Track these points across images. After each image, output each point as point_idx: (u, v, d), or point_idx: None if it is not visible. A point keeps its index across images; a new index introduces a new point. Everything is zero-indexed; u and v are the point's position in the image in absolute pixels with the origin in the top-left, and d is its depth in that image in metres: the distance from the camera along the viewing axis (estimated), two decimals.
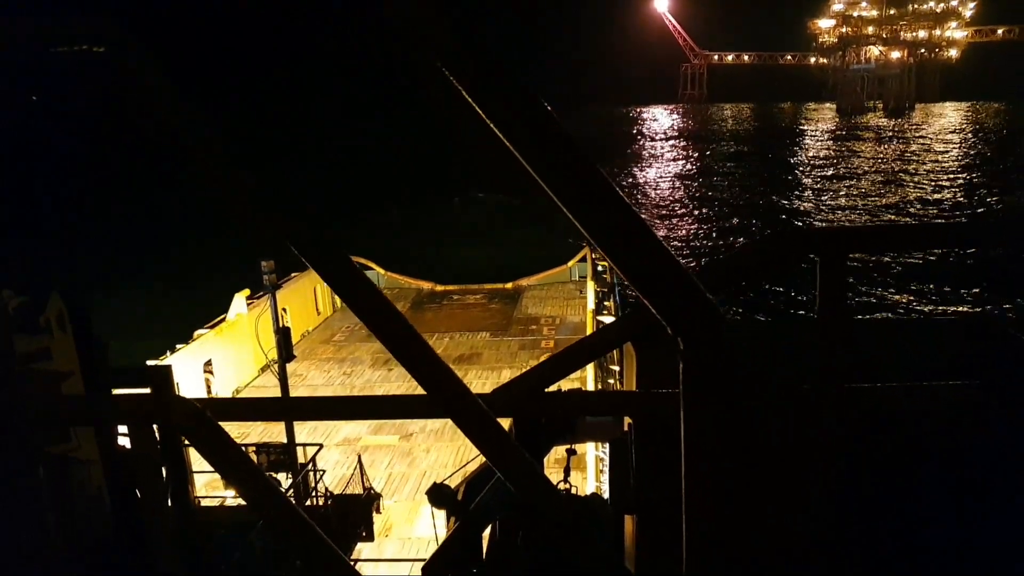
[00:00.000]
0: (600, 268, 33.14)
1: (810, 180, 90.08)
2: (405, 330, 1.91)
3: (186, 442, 3.25)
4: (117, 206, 71.85)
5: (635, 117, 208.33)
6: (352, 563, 12.41)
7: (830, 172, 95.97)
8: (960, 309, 38.56)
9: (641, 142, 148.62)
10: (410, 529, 15.44)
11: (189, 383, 21.16)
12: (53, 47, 2.03)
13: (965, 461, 2.58)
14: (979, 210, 68.97)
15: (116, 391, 4.34)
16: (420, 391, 2.28)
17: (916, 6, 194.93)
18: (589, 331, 25.20)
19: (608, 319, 26.66)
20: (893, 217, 67.70)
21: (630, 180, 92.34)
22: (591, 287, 29.47)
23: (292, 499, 13.45)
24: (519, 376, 2.62)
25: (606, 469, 16.34)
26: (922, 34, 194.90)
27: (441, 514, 5.24)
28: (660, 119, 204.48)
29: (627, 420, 3.04)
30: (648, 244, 1.40)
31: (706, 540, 1.65)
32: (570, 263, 35.14)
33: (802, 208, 73.18)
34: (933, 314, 37.88)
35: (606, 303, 29.08)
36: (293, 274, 28.83)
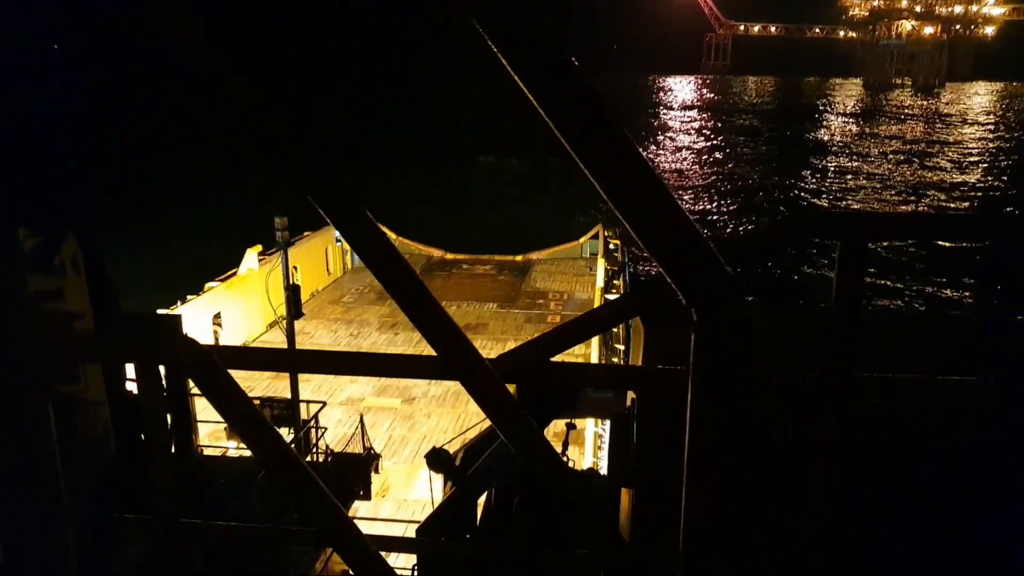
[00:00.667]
0: (612, 246, 33.02)
1: (831, 158, 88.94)
2: (419, 290, 1.91)
3: (192, 391, 3.27)
4: (138, 155, 71.99)
5: (657, 86, 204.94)
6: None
7: (852, 151, 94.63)
8: (976, 302, 38.17)
9: (661, 112, 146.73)
10: (407, 491, 15.62)
11: (198, 334, 21.26)
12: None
13: (972, 458, 2.56)
14: (1002, 197, 68.11)
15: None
16: (427, 355, 2.28)
17: None
18: None
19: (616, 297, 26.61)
20: (913, 200, 66.89)
21: (645, 153, 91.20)
22: (601, 264, 29.39)
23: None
24: (525, 343, 2.62)
25: (604, 445, 16.44)
26: (958, 9, 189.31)
27: (438, 478, 5.30)
28: (682, 89, 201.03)
29: (630, 396, 3.04)
30: (668, 210, 1.38)
31: (705, 517, 1.65)
32: (582, 239, 35.02)
33: (820, 187, 72.42)
34: (948, 308, 37.50)
35: (615, 282, 29.01)
36: (306, 233, 28.87)
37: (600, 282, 27.57)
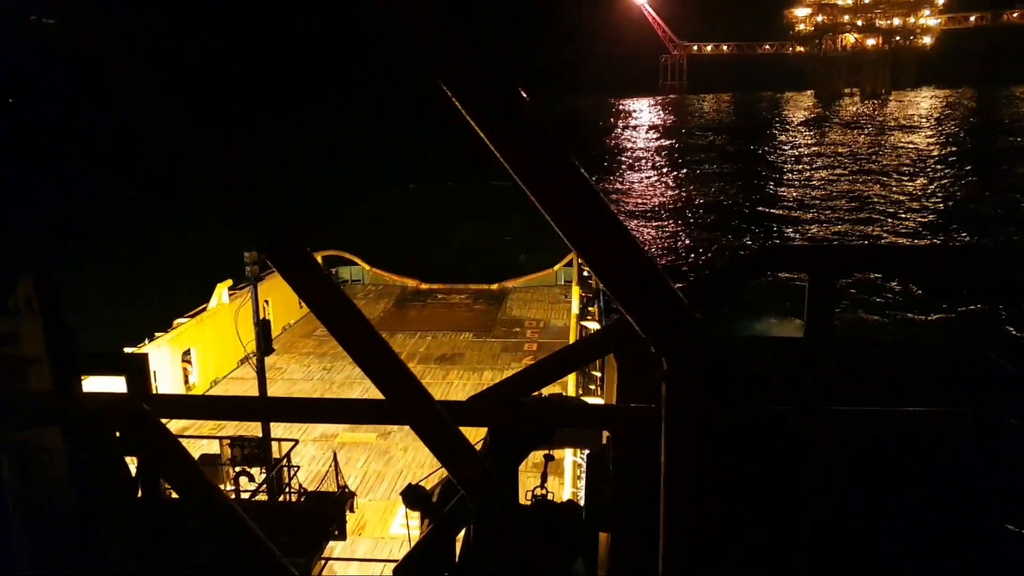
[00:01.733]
0: (586, 273, 33.15)
1: (788, 170, 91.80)
2: (366, 331, 1.84)
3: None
4: (98, 189, 71.05)
5: (617, 108, 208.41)
6: (323, 561, 12.23)
7: (807, 161, 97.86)
8: (946, 331, 38.78)
9: (623, 134, 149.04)
10: (384, 529, 15.32)
11: (166, 373, 20.91)
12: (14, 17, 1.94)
13: (948, 488, 2.55)
14: (951, 199, 70.16)
15: (90, 380, 4.24)
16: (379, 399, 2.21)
17: None
18: (573, 336, 25.15)
19: (592, 324, 26.65)
20: (866, 209, 68.51)
21: (607, 177, 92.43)
22: (576, 292, 29.46)
23: (264, 495, 13.27)
24: (497, 384, 2.56)
25: (583, 475, 16.31)
26: (896, 22, 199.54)
27: (416, 515, 5.17)
28: (642, 111, 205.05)
29: (606, 433, 2.99)
30: (634, 258, 1.35)
31: (682, 560, 1.60)
32: (556, 267, 35.15)
33: (780, 200, 74.13)
34: (919, 337, 38.04)
35: (590, 308, 29.07)
36: None
37: (575, 309, 27.61)
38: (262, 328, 14.02)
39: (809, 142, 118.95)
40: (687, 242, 59.11)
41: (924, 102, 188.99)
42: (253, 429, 16.19)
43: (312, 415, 3.02)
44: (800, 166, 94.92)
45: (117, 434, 2.96)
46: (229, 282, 25.00)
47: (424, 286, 34.79)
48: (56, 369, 3.83)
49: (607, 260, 1.32)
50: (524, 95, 1.39)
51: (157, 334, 21.83)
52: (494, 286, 34.37)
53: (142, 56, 1.84)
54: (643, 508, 2.07)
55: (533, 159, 1.38)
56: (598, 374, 22.67)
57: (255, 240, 1.84)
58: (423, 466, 17.51)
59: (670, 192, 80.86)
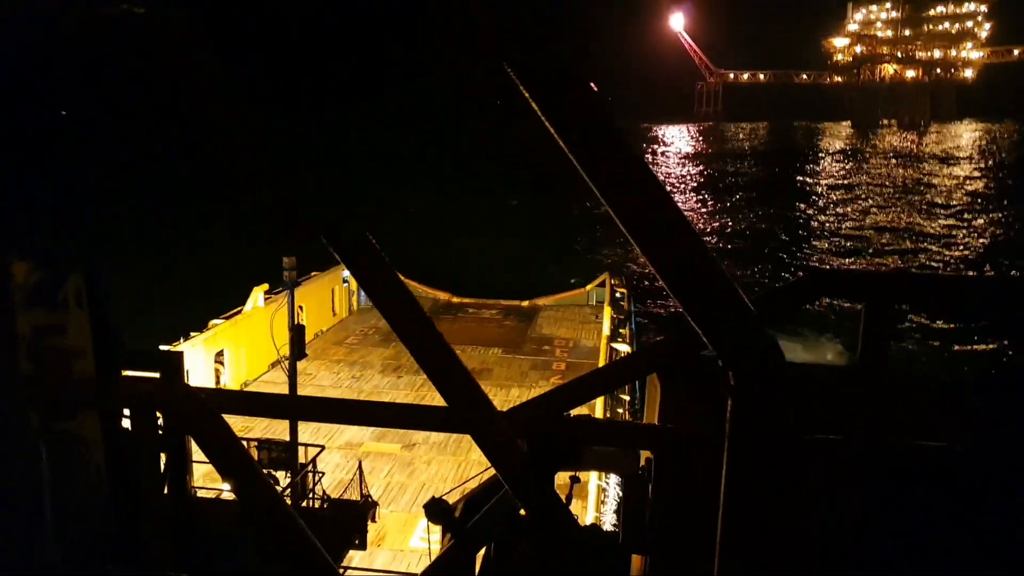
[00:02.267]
0: (618, 295, 32.97)
1: (827, 199, 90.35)
2: (434, 338, 1.82)
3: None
4: (148, 191, 72.81)
5: (651, 134, 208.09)
6: (343, 570, 12.23)
7: (845, 193, 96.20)
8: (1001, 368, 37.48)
9: (657, 159, 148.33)
10: (404, 541, 15.26)
11: (199, 372, 21.20)
12: (95, 7, 1.98)
13: (993, 525, 2.45)
14: (992, 233, 68.51)
15: (126, 373, 4.29)
16: (426, 400, 2.19)
17: (931, 27, 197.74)
18: (602, 357, 25.00)
19: (623, 347, 26.44)
20: (911, 239, 67.22)
21: None
22: (607, 313, 29.29)
23: (288, 499, 13.33)
24: (539, 396, 2.52)
25: (607, 500, 16.10)
26: (937, 54, 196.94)
27: (437, 529, 5.12)
28: (677, 136, 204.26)
29: (645, 455, 2.93)
30: (708, 270, 1.31)
31: None
32: (588, 287, 35.02)
33: (820, 230, 72.99)
34: (973, 372, 36.93)
35: (621, 331, 28.87)
36: (313, 273, 28.92)
37: (606, 330, 27.43)
38: (296, 333, 14.14)
39: (847, 172, 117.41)
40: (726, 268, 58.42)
41: (965, 134, 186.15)
42: (281, 433, 16.31)
43: (379, 418, 3.00)
44: (837, 196, 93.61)
45: (160, 420, 2.97)
46: (266, 286, 25.35)
47: (456, 300, 34.90)
48: (99, 362, 3.88)
49: (675, 264, 1.29)
50: (594, 88, 1.37)
51: (192, 334, 22.17)
52: (525, 303, 34.33)
53: (220, 50, 1.86)
54: (686, 530, 2.01)
55: (610, 161, 1.36)
56: (626, 397, 22.45)
57: (328, 236, 1.83)
58: (446, 480, 17.45)
59: (704, 219, 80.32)
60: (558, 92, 1.40)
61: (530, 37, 1.37)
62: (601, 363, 23.92)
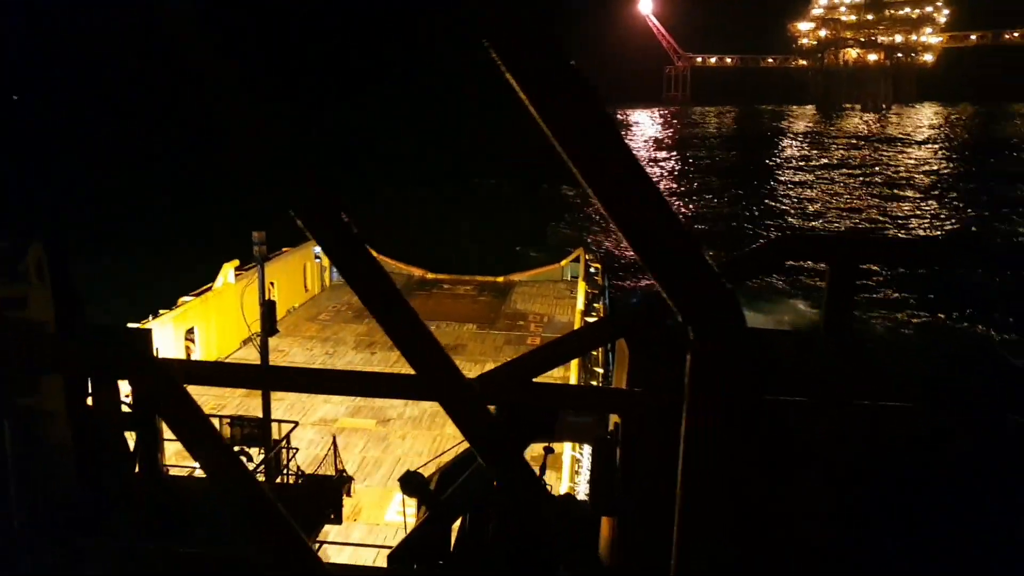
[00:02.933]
0: (592, 270, 33.10)
1: (792, 181, 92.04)
2: (400, 306, 1.81)
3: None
4: (113, 163, 71.25)
5: (621, 119, 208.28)
6: (318, 544, 12.25)
7: (809, 175, 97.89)
8: (965, 330, 38.31)
9: (628, 144, 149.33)
10: (380, 515, 15.32)
11: (169, 350, 20.93)
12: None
13: (956, 487, 2.52)
14: (949, 210, 70.44)
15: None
16: (404, 373, 2.18)
17: (893, 12, 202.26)
18: None
19: None
20: (876, 219, 68.86)
21: None
22: (582, 288, 29.41)
23: (262, 476, 13.29)
24: (506, 363, 2.52)
25: (581, 470, 16.28)
26: (898, 38, 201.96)
27: (412, 502, 5.14)
28: (646, 121, 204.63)
29: (613, 419, 2.95)
30: (669, 224, 1.31)
31: (700, 544, 1.56)
32: (563, 262, 35.10)
33: (784, 215, 74.39)
34: (938, 334, 37.69)
35: (596, 305, 29.02)
36: (284, 248, 28.60)
37: (580, 305, 27.56)
38: (267, 309, 14.01)
39: (810, 154, 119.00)
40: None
41: (924, 117, 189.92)
42: (253, 409, 16.20)
43: (350, 386, 2.99)
44: (801, 177, 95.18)
45: (126, 394, 2.93)
46: (236, 262, 25.02)
47: (430, 276, 34.79)
48: (61, 334, 3.80)
49: (640, 222, 1.29)
50: (573, 63, 1.36)
51: (161, 311, 21.86)
52: (500, 279, 34.34)
53: (227, 47, 1.84)
54: (653, 493, 2.03)
55: (579, 122, 1.35)
56: (600, 370, 22.64)
57: (293, 204, 1.81)
58: (421, 455, 17.51)
59: (672, 201, 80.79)
60: (531, 56, 1.39)
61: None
62: None
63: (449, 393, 1.95)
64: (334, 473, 14.25)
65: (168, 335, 20.95)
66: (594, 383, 21.13)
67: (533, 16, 1.41)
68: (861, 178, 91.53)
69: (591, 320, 26.08)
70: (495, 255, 42.37)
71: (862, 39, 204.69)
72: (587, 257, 33.96)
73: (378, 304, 1.91)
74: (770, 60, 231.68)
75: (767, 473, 2.27)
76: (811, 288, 42.40)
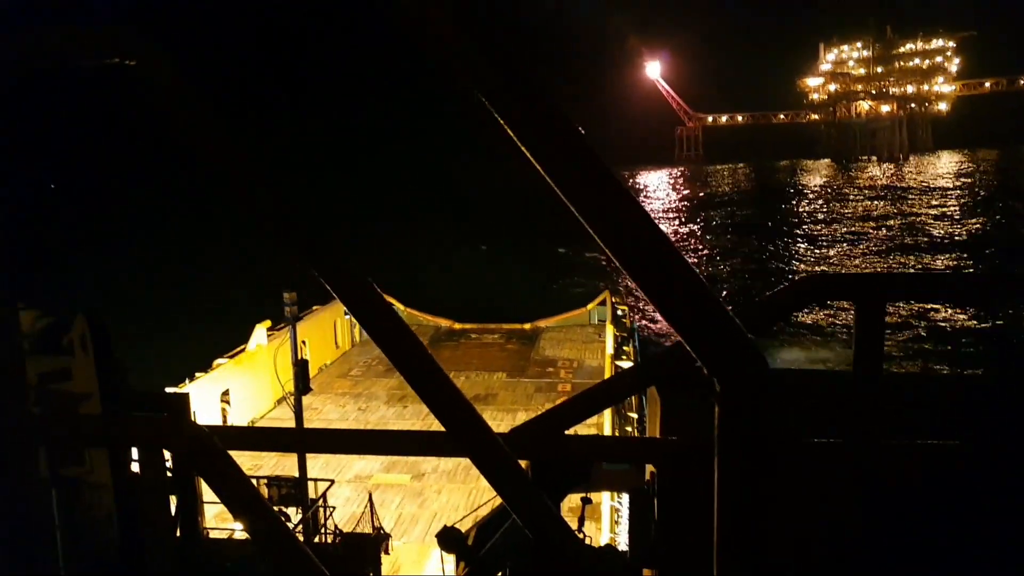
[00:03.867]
0: (620, 312, 32.98)
1: (810, 239, 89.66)
2: (426, 362, 1.86)
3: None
4: (145, 233, 73.21)
5: (634, 180, 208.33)
6: None
7: (828, 228, 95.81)
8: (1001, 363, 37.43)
9: (643, 204, 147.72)
10: (419, 572, 15.14)
11: (206, 412, 21.17)
12: (82, 59, 2.02)
13: (991, 525, 2.47)
14: (980, 256, 68.96)
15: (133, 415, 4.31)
16: (433, 428, 2.22)
17: (902, 63, 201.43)
18: (607, 376, 24.98)
19: (627, 364, 26.40)
20: (901, 265, 67.78)
21: None
22: (610, 331, 29.27)
23: (300, 535, 13.26)
24: (537, 417, 2.55)
25: (621, 520, 15.99)
26: (910, 89, 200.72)
27: (451, 558, 5.11)
28: (659, 182, 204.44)
29: (649, 469, 2.94)
30: (686, 278, 1.35)
31: None
32: (589, 306, 35.02)
33: (807, 263, 73.25)
34: (972, 368, 36.81)
35: (625, 348, 28.85)
36: (314, 307, 28.97)
37: (610, 349, 27.40)
38: (300, 368, 14.16)
39: (829, 206, 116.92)
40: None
41: (942, 165, 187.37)
42: (289, 468, 16.25)
43: (382, 446, 3.02)
44: (822, 231, 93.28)
45: (169, 462, 3.00)
46: (268, 323, 25.38)
47: (458, 326, 34.91)
48: (106, 405, 3.91)
49: (656, 277, 1.33)
50: (578, 128, 1.42)
51: (197, 374, 22.17)
52: (527, 326, 34.32)
53: (207, 95, 1.92)
54: (692, 543, 2.03)
55: (583, 179, 1.41)
56: (634, 415, 22.39)
57: (312, 262, 1.88)
58: (457, 508, 17.35)
59: (690, 259, 79.83)
60: (536, 123, 1.45)
61: (507, 68, 1.43)
62: None
63: (479, 450, 1.98)
64: (371, 531, 14.18)
65: (205, 397, 21.20)
66: (629, 428, 20.87)
67: (529, 73, 1.46)
68: (883, 229, 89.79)
69: (621, 364, 25.88)
70: (520, 302, 42.44)
71: (873, 91, 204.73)
72: (614, 300, 33.88)
73: (404, 362, 1.96)
74: (781, 116, 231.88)
75: (803, 518, 2.25)
76: (848, 325, 41.76)
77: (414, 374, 1.93)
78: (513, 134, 1.42)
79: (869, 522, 2.18)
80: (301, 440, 5.37)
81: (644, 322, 43.68)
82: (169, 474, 4.06)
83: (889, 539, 2.31)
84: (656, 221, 1.37)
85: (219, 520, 14.86)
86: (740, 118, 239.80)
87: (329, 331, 30.33)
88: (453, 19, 1.42)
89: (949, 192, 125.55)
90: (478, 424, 1.91)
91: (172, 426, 2.79)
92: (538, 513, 1.93)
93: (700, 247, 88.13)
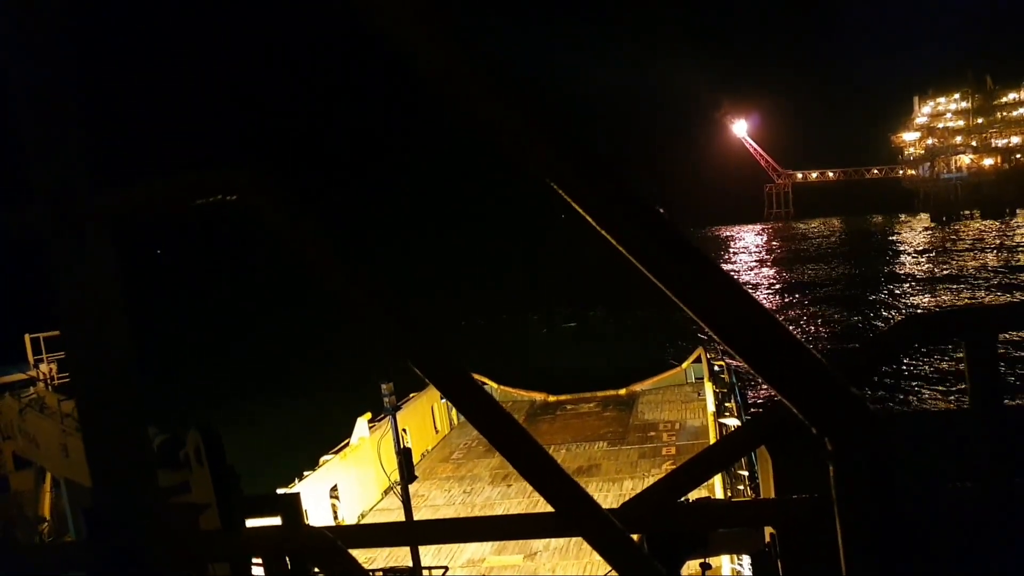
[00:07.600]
0: (717, 368, 32.01)
1: (910, 294, 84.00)
2: (527, 443, 1.87)
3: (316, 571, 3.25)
4: (240, 339, 76.92)
5: (724, 238, 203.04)
6: None
7: (932, 285, 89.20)
8: None
9: (731, 261, 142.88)
10: None
11: (317, 509, 21.55)
12: (193, 200, 2.25)
13: None
14: None
15: (249, 521, 4.46)
16: (539, 507, 2.21)
17: (1004, 114, 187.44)
18: (712, 434, 24.07)
19: (731, 420, 25.44)
20: None
21: None
22: (709, 388, 28.37)
23: None
24: (647, 488, 2.49)
25: None
26: (1015, 140, 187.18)
27: None
28: (749, 239, 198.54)
29: (768, 530, 2.81)
30: (784, 341, 1.33)
31: None
32: (684, 364, 34.15)
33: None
34: None
35: (727, 404, 27.84)
36: (411, 394, 29.43)
37: (711, 406, 26.49)
38: (404, 457, 14.31)
39: (933, 263, 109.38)
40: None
41: None
42: (403, 558, 16.23)
43: (491, 531, 3.01)
44: (924, 287, 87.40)
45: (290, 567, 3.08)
46: (368, 415, 25.90)
47: (552, 398, 34.63)
48: (223, 512, 4.07)
49: (749, 341, 1.31)
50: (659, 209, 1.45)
51: (306, 473, 22.70)
52: (622, 391, 33.70)
53: (312, 220, 2.09)
54: None
55: (663, 254, 1.42)
56: (744, 473, 21.40)
57: (411, 357, 1.95)
58: None
59: (784, 315, 76.18)
60: (610, 206, 1.48)
61: (582, 159, 1.48)
62: (711, 441, 23.00)
63: (589, 528, 1.95)
64: None
65: (315, 495, 21.63)
66: (740, 487, 19.94)
67: (604, 162, 1.50)
68: (994, 287, 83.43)
69: (725, 421, 24.94)
70: (613, 368, 41.81)
71: (974, 143, 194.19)
72: (708, 356, 32.97)
73: (504, 444, 1.98)
74: (875, 171, 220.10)
75: (937, 568, 2.08)
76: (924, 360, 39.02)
77: (515, 455, 1.94)
78: (591, 219, 1.46)
79: (1011, 568, 2.00)
80: (413, 533, 5.41)
81: (744, 369, 42.13)
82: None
83: None
84: (746, 278, 1.36)
85: None
86: (831, 174, 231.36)
87: (427, 417, 30.65)
88: (522, 114, 1.49)
89: None
90: (585, 501, 1.89)
91: (288, 531, 2.88)
92: None
93: (790, 301, 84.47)
